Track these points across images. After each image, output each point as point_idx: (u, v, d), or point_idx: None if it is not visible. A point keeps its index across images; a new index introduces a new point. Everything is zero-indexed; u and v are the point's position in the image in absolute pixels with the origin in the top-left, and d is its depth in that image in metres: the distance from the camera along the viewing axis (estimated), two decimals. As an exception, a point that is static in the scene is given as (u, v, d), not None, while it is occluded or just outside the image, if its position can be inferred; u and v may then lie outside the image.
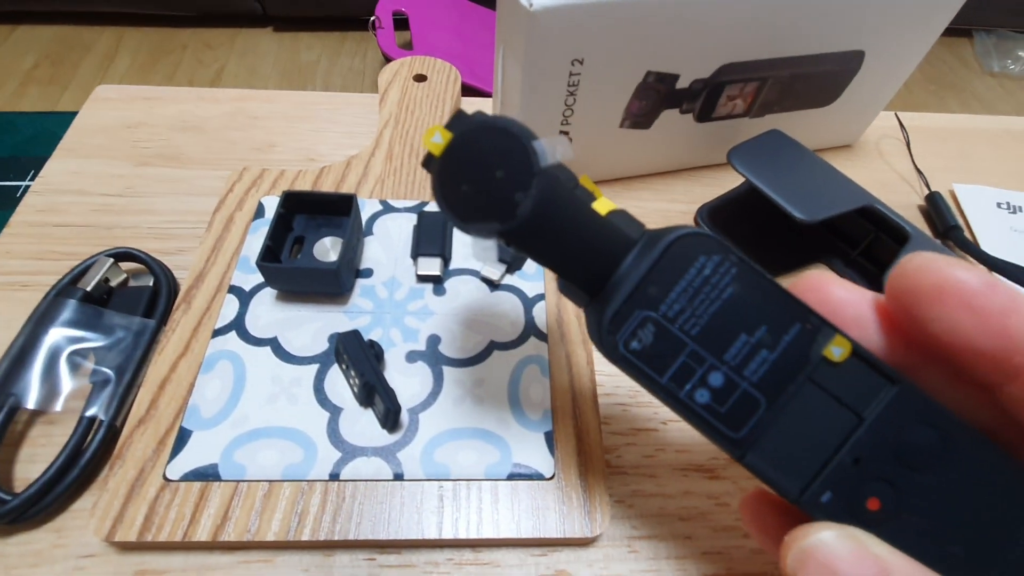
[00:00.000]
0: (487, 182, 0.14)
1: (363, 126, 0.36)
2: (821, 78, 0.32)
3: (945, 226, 0.34)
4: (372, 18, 1.13)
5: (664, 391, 0.15)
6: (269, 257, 0.25)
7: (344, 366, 0.24)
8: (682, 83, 0.30)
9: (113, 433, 0.23)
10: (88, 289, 0.25)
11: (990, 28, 1.56)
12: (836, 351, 0.14)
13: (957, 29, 1.55)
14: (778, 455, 0.14)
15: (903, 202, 0.36)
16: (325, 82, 1.26)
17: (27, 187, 1.10)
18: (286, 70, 1.27)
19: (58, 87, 1.21)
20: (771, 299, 0.14)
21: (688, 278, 0.15)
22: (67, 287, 0.25)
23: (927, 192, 0.36)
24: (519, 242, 0.15)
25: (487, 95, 0.34)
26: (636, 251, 0.15)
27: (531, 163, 0.14)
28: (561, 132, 0.30)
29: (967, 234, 0.35)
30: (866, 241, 0.30)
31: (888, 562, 0.12)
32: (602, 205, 0.15)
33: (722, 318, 0.14)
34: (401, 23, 1.17)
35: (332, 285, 0.25)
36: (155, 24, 1.34)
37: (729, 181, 0.36)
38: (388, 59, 1.14)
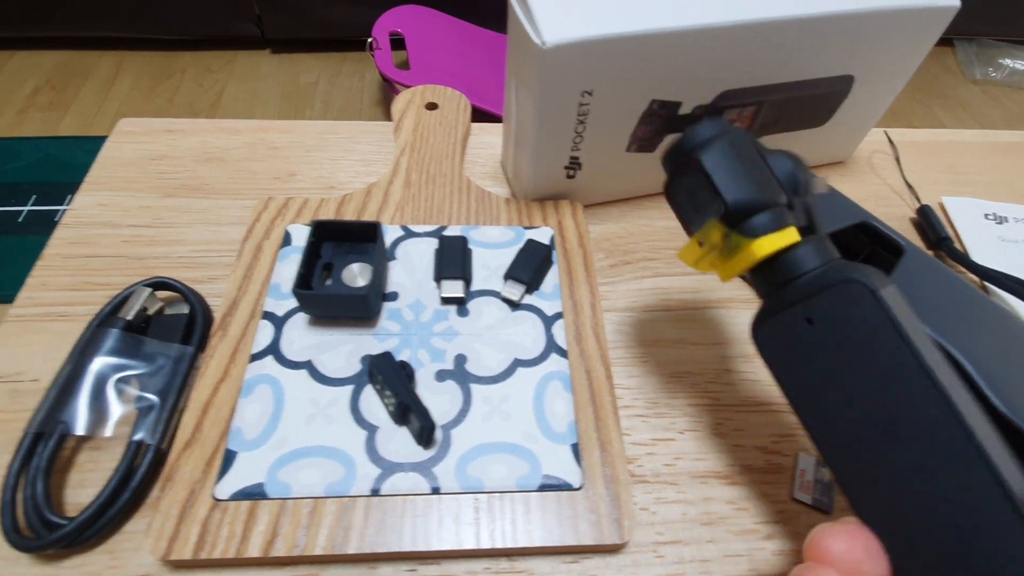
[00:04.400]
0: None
1: (379, 154, 0.38)
2: (813, 101, 0.34)
3: (936, 237, 0.35)
4: (369, 39, 1.15)
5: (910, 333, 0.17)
6: (302, 284, 0.26)
7: (378, 386, 0.25)
8: (684, 109, 0.31)
9: (159, 456, 0.24)
10: (129, 318, 0.26)
11: (971, 36, 1.60)
12: None
13: (939, 39, 1.59)
14: None
15: (896, 215, 0.38)
16: (325, 103, 1.28)
17: (29, 212, 1.11)
18: (286, 92, 1.29)
19: (59, 112, 1.22)
20: None
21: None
22: (108, 317, 0.27)
23: (918, 205, 0.38)
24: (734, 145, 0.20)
25: (484, 112, 0.36)
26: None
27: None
28: (571, 157, 0.32)
29: (957, 245, 0.37)
30: (863, 255, 0.32)
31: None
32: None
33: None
34: (398, 43, 1.19)
35: (361, 309, 0.26)
36: (155, 48, 1.35)
37: (730, 198, 0.37)
38: (386, 79, 1.16)
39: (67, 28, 1.29)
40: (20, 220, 1.07)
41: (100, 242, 0.32)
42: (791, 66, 0.32)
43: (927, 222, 0.36)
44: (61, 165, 1.14)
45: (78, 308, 0.29)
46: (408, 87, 0.40)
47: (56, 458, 0.24)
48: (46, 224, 1.06)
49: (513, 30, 0.29)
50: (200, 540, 0.21)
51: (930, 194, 0.39)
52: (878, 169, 0.41)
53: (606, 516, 0.23)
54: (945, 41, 1.61)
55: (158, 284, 0.28)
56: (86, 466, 0.25)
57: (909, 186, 0.39)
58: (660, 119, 0.31)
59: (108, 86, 1.28)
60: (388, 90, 1.33)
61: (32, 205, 1.09)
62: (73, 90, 1.27)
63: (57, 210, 1.08)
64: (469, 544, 0.22)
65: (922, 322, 0.26)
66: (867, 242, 0.32)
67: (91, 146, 1.16)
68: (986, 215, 0.38)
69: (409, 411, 0.23)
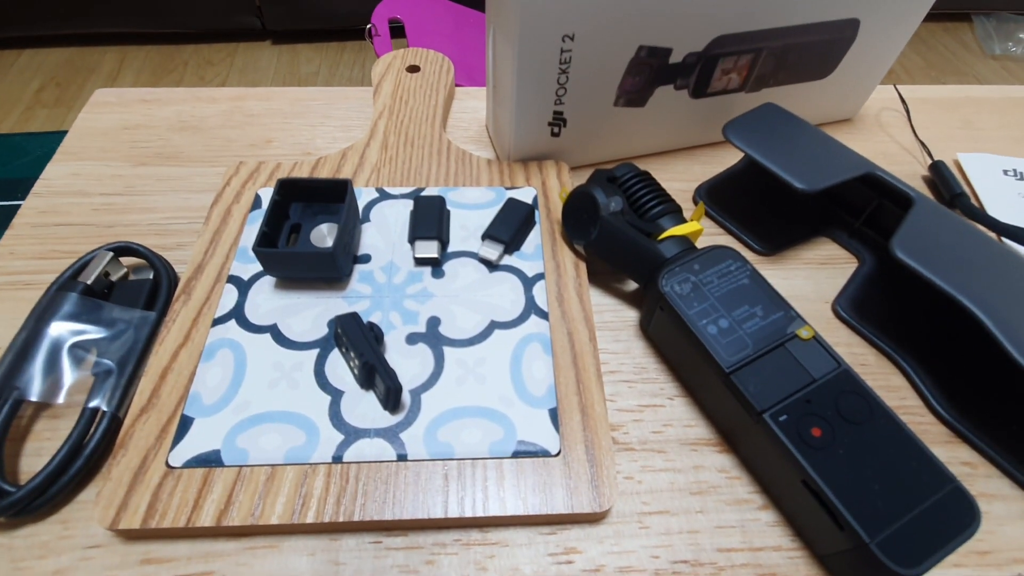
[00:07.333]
0: (581, 217, 0.26)
1: (358, 119, 0.36)
2: (816, 48, 0.32)
3: (951, 193, 0.33)
4: (368, 26, 1.14)
5: (688, 320, 0.23)
6: (265, 243, 0.25)
7: (344, 349, 0.23)
8: (675, 58, 0.29)
9: (116, 424, 0.23)
10: (88, 283, 0.25)
11: (989, 11, 1.55)
12: (805, 333, 0.22)
13: (957, 14, 1.54)
14: (753, 383, 0.21)
15: (907, 172, 0.36)
16: (325, 92, 1.27)
17: (36, 207, 1.12)
18: (286, 83, 1.28)
19: (64, 108, 1.23)
20: (768, 294, 0.23)
21: (719, 267, 0.24)
22: (68, 281, 0.26)
23: (930, 162, 0.35)
24: (595, 252, 0.26)
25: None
26: (687, 254, 0.24)
27: (598, 211, 0.25)
28: (555, 112, 0.30)
29: (973, 201, 0.34)
30: (869, 209, 0.30)
31: None
32: (666, 234, 0.25)
33: (735, 294, 0.23)
34: (397, 31, 1.18)
35: (329, 269, 0.25)
36: (157, 43, 1.36)
37: (727, 158, 0.35)
38: (386, 66, 1.15)
39: (71, 25, 1.30)
40: (27, 215, 1.08)
41: (70, 211, 0.31)
42: (792, 9, 0.29)
43: (940, 178, 0.34)
44: (66, 160, 1.15)
45: (45, 276, 0.28)
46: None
47: (10, 425, 0.23)
48: (52, 218, 1.07)
49: (489, -25, 0.27)
50: (150, 509, 0.20)
51: (945, 151, 0.37)
52: (887, 127, 0.38)
53: (585, 483, 0.21)
54: (962, 16, 1.56)
55: (122, 249, 0.27)
56: (43, 435, 0.23)
57: (921, 143, 0.37)
58: (649, 68, 0.29)
59: (111, 81, 1.28)
60: (389, 79, 1.31)
61: (39, 200, 1.10)
62: (77, 86, 1.27)
63: (62, 204, 1.09)
64: (437, 513, 0.20)
65: (935, 274, 0.24)
66: (873, 196, 0.30)
67: (95, 140, 1.17)
68: (1005, 171, 0.35)
69: (375, 373, 0.22)
